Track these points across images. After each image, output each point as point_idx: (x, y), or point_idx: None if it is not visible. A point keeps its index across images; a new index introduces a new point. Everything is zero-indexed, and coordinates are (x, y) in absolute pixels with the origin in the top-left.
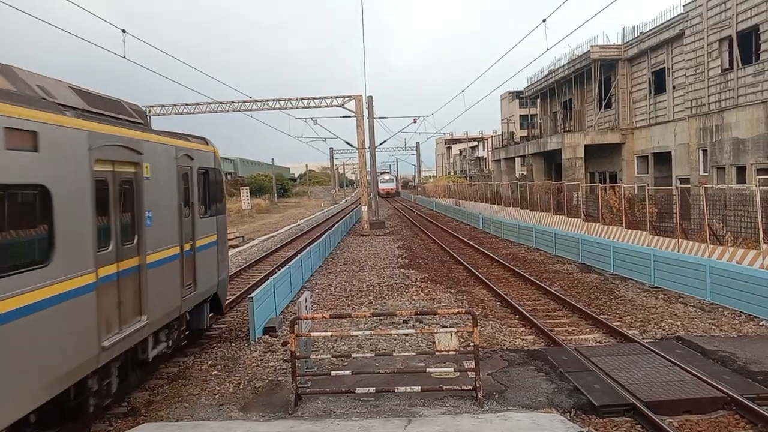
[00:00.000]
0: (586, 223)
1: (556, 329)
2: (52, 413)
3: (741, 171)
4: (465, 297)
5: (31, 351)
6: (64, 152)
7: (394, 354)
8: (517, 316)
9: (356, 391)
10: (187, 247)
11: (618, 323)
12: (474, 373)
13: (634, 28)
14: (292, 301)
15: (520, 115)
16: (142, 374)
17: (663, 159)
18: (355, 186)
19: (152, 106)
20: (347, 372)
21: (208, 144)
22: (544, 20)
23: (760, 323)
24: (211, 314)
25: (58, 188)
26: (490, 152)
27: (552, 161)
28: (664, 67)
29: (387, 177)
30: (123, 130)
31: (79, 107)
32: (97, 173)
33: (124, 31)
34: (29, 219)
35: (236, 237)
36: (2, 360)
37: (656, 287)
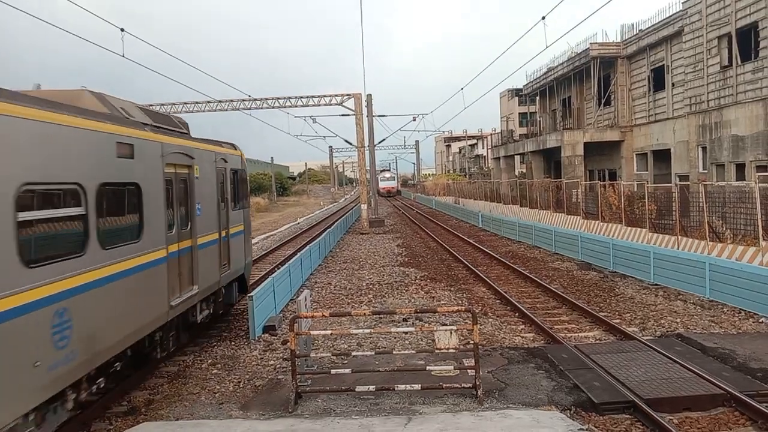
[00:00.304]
0: (585, 221)
1: (555, 327)
2: (137, 355)
3: (740, 168)
4: (465, 295)
5: (134, 300)
6: (148, 159)
7: (394, 352)
8: (516, 314)
9: (356, 390)
10: (223, 234)
11: (617, 321)
12: (474, 370)
13: (633, 25)
14: (291, 299)
15: (520, 113)
16: (190, 336)
17: (662, 156)
18: (354, 184)
19: (151, 105)
20: (347, 370)
21: (236, 149)
22: (543, 18)
23: (760, 320)
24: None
25: (146, 186)
26: (489, 150)
27: (551, 159)
28: (664, 65)
29: (388, 175)
30: (181, 140)
31: (149, 123)
32: (166, 174)
33: (122, 30)
34: (130, 207)
35: None
36: (116, 305)
37: (656, 284)
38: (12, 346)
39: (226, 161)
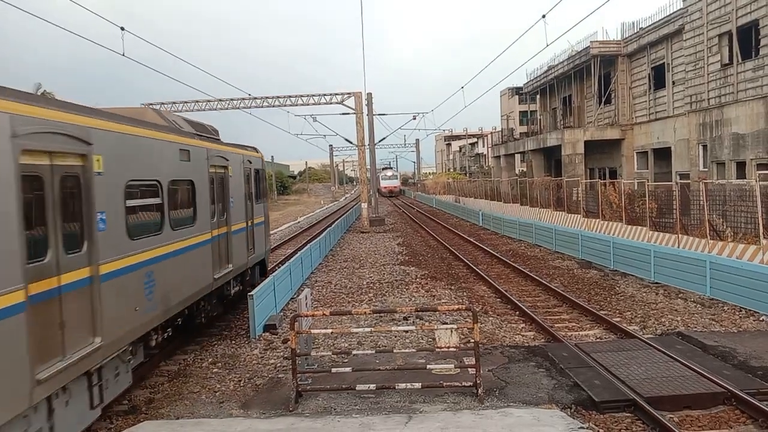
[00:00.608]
0: (585, 219)
1: (556, 325)
2: (187, 319)
3: (741, 166)
4: (465, 293)
5: (191, 271)
6: (198, 161)
7: (395, 351)
8: (517, 313)
9: (357, 388)
10: (249, 223)
11: (618, 319)
12: (474, 369)
13: (633, 23)
14: (292, 298)
15: (520, 112)
16: (225, 308)
17: (663, 154)
18: (355, 183)
19: (151, 104)
20: (348, 369)
21: (257, 152)
22: (544, 16)
23: (760, 318)
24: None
25: (197, 183)
26: (489, 149)
27: (552, 157)
28: (664, 63)
29: (389, 173)
30: (219, 146)
31: (194, 132)
32: (210, 173)
33: (122, 28)
34: (188, 199)
35: None
36: (180, 273)
37: (656, 283)
38: (124, 294)
39: (250, 162)
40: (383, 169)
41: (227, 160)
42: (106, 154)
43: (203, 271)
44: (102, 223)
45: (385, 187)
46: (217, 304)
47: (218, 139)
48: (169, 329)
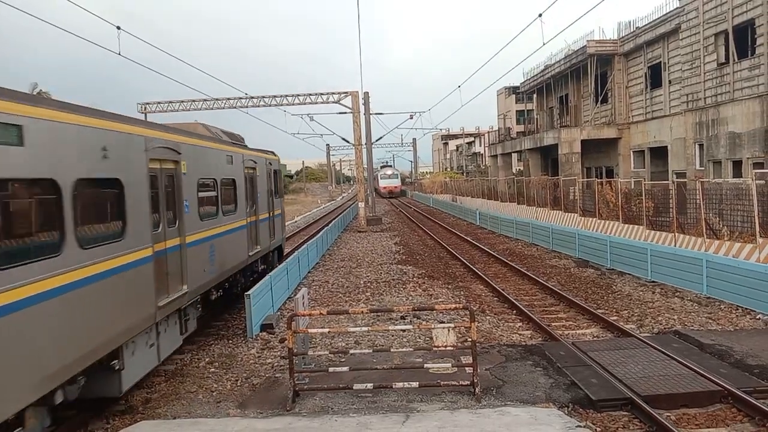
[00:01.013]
0: (582, 218)
1: (553, 324)
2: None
3: (737, 165)
4: (462, 293)
5: (235, 247)
6: (238, 164)
7: (392, 350)
8: (514, 312)
9: (354, 387)
10: (270, 214)
11: (615, 318)
12: (471, 368)
13: (630, 22)
14: (289, 297)
15: (517, 111)
16: (252, 282)
17: (659, 153)
18: (351, 182)
19: (148, 103)
20: (345, 368)
21: (275, 155)
22: (540, 15)
23: (757, 317)
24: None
25: (238, 181)
26: (486, 148)
27: (548, 156)
28: (661, 62)
29: (389, 172)
30: (250, 151)
31: (231, 141)
32: (245, 173)
33: (118, 27)
34: (232, 193)
35: None
36: (229, 248)
37: (653, 281)
38: (198, 259)
39: (271, 164)
40: (382, 167)
41: (255, 162)
42: (188, 160)
43: (242, 249)
44: (186, 208)
45: (385, 188)
46: (248, 278)
47: (246, 146)
48: (221, 290)
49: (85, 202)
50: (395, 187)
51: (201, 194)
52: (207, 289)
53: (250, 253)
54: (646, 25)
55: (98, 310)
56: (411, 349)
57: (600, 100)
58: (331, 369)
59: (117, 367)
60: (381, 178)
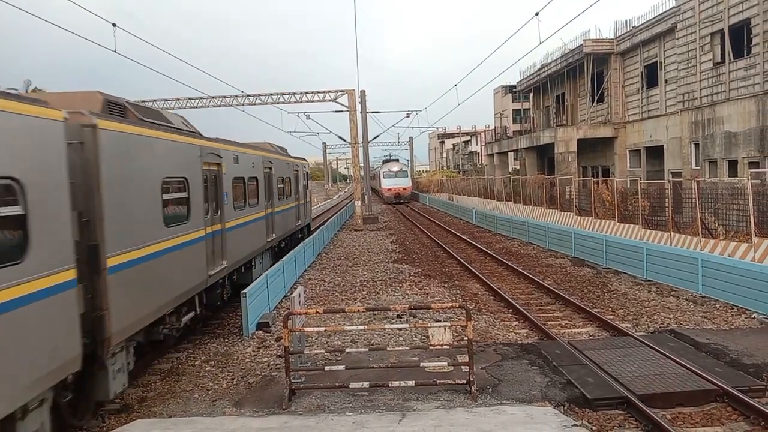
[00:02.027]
0: (578, 217)
1: (549, 323)
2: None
3: (733, 164)
4: (458, 291)
5: (291, 218)
6: (292, 168)
7: (388, 349)
8: (510, 310)
9: (350, 386)
10: (304, 201)
11: (611, 317)
12: (467, 367)
13: (626, 21)
14: (285, 296)
15: (513, 110)
16: (299, 241)
17: (655, 153)
18: (348, 181)
19: (144, 101)
20: (341, 367)
21: (305, 160)
22: (537, 14)
23: (752, 316)
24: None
25: (292, 178)
26: (483, 147)
27: (545, 155)
28: (657, 61)
29: (395, 168)
30: (293, 159)
31: (283, 153)
32: (294, 172)
33: (114, 24)
34: (292, 185)
35: None
36: (287, 218)
37: (649, 280)
38: (236, 240)
39: (304, 167)
40: (385, 161)
41: (297, 166)
42: (227, 163)
43: (296, 220)
44: (226, 199)
45: (390, 190)
46: (297, 240)
47: (288, 154)
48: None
49: (170, 193)
50: (404, 188)
51: (280, 186)
52: (246, 261)
53: (298, 224)
54: (642, 24)
55: (176, 271)
56: (407, 348)
57: (596, 99)
58: (327, 368)
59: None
60: (385, 177)
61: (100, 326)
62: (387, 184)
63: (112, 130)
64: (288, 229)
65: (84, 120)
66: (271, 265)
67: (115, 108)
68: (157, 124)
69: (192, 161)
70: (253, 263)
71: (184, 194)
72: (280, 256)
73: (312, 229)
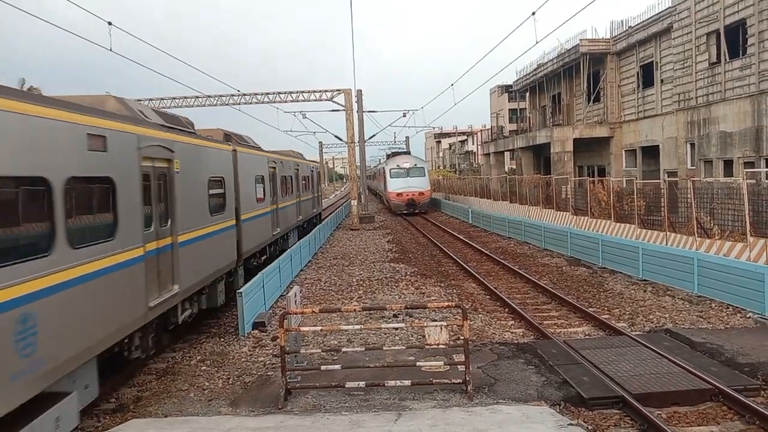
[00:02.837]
0: (574, 217)
1: (545, 322)
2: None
3: (728, 164)
4: (455, 291)
5: (308, 208)
6: (309, 168)
7: (384, 348)
8: (506, 310)
9: (346, 386)
10: (316, 194)
11: (607, 316)
12: (464, 366)
13: (622, 21)
14: (281, 295)
15: (510, 109)
16: (316, 224)
17: (651, 152)
18: (344, 180)
19: (140, 100)
20: (337, 366)
21: (317, 162)
22: (533, 13)
23: (747, 315)
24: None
25: (309, 176)
26: (479, 146)
27: (541, 155)
28: (653, 61)
29: (407, 163)
30: (309, 161)
31: (302, 158)
32: (311, 171)
33: (110, 23)
34: (310, 183)
35: None
36: (305, 207)
37: (644, 280)
38: (295, 211)
39: (315, 167)
40: (391, 155)
41: (313, 168)
42: (279, 167)
43: (312, 209)
44: (280, 189)
45: (400, 195)
46: (314, 223)
47: (305, 159)
48: (313, 220)
49: (212, 188)
50: (420, 193)
51: (303, 182)
52: (273, 240)
53: (314, 211)
54: (638, 24)
55: (218, 252)
56: (403, 348)
57: (592, 99)
58: (323, 367)
59: (219, 290)
60: (392, 177)
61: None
62: (395, 186)
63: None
64: (309, 213)
65: None
66: (298, 238)
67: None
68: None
69: (228, 163)
70: (289, 234)
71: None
72: (306, 232)
73: (322, 216)
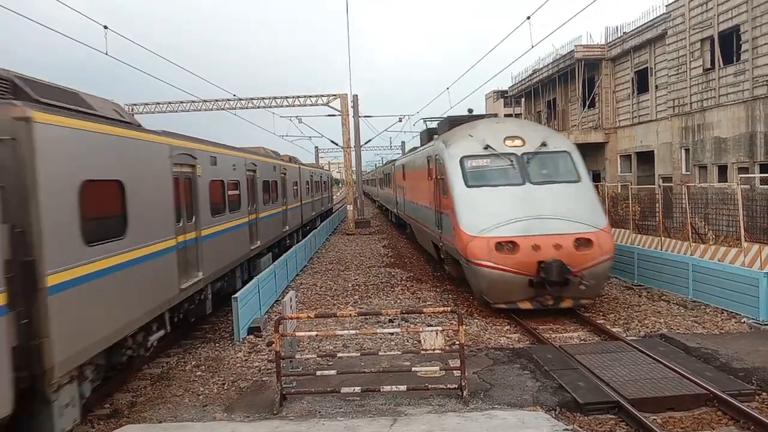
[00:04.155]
0: None
1: (540, 327)
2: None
3: (722, 170)
4: (450, 296)
5: (323, 203)
6: (325, 175)
7: (380, 353)
8: (502, 315)
9: (342, 391)
10: (329, 194)
11: (602, 321)
12: (459, 371)
13: (617, 27)
14: (276, 300)
15: (505, 115)
16: (327, 215)
17: (646, 158)
18: (340, 185)
19: (135, 104)
20: (332, 372)
21: (329, 169)
22: (528, 17)
23: (742, 320)
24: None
25: (324, 180)
26: None
27: None
28: (647, 67)
29: (516, 140)
30: (321, 170)
31: (315, 165)
32: (326, 177)
33: (105, 27)
34: (325, 186)
35: None
36: (319, 204)
37: (639, 285)
38: (318, 205)
39: (328, 175)
40: (453, 123)
41: (322, 174)
42: (289, 173)
43: (327, 204)
44: (292, 192)
45: (517, 246)
46: (326, 216)
47: (326, 170)
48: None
49: (231, 191)
50: (584, 242)
51: (311, 185)
52: (305, 222)
53: (328, 206)
54: (632, 30)
55: (239, 242)
56: (399, 353)
57: (587, 104)
58: (318, 372)
59: (237, 275)
60: (473, 183)
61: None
62: (486, 219)
63: None
64: (323, 208)
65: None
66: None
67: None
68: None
69: (241, 169)
70: (315, 223)
71: (239, 191)
72: (323, 220)
73: (329, 212)
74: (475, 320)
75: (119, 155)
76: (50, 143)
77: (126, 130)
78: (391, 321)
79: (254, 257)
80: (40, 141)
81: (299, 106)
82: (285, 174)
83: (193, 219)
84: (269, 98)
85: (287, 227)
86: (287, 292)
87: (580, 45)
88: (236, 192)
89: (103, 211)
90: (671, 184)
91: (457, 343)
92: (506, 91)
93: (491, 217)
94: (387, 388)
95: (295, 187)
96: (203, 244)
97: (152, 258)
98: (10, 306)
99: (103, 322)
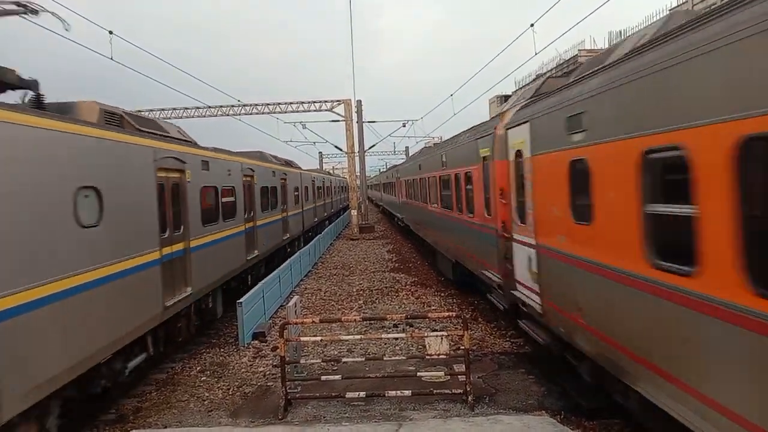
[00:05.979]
0: None
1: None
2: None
3: None
4: (455, 300)
5: (337, 204)
6: (333, 180)
7: (385, 358)
8: (507, 318)
9: (346, 396)
10: (333, 199)
11: None
12: (464, 376)
13: (620, 32)
14: (281, 305)
15: None
16: (340, 213)
17: None
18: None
19: (140, 111)
20: (337, 377)
21: (332, 174)
22: (532, 25)
23: None
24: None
25: (331, 185)
26: None
27: None
28: None
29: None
30: (330, 176)
31: (326, 172)
32: (334, 182)
33: (111, 32)
34: (331, 191)
35: None
36: (328, 207)
37: None
38: (328, 207)
39: (342, 181)
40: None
41: (334, 179)
42: (289, 179)
43: (336, 205)
44: (308, 197)
45: None
46: (338, 215)
47: (341, 177)
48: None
49: (225, 198)
50: None
51: (319, 191)
52: (311, 226)
53: (337, 207)
54: (635, 34)
55: (273, 236)
56: (404, 358)
57: None
58: (323, 377)
59: (262, 271)
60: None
61: None
62: None
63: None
64: (335, 208)
65: None
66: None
67: (112, 118)
68: (152, 133)
69: (277, 177)
70: (328, 221)
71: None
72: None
73: (333, 213)
74: (480, 325)
75: (96, 159)
76: None
77: (103, 131)
78: (395, 326)
79: (252, 266)
80: None
81: (303, 111)
82: (285, 179)
83: (181, 229)
84: (273, 104)
85: (288, 235)
86: (292, 297)
87: (584, 49)
88: (231, 199)
89: None
90: None
91: (462, 347)
92: (509, 96)
93: None
94: (392, 392)
95: (296, 193)
96: (192, 256)
97: (131, 273)
98: None
99: (66, 351)
